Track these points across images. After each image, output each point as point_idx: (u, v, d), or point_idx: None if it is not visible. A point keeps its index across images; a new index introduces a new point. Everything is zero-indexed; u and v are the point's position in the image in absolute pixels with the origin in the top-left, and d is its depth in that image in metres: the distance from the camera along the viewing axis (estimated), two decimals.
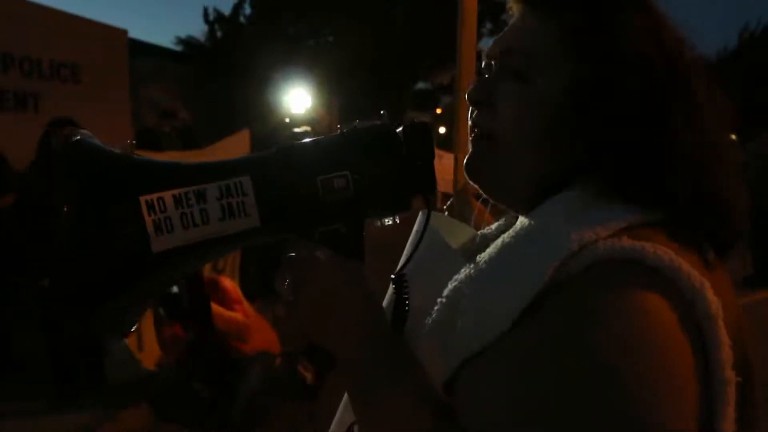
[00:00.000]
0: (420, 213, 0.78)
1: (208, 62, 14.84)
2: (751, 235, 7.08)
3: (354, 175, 0.64)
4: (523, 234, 0.65)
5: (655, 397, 0.52)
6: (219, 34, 17.83)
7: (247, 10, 17.92)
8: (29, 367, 4.46)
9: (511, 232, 0.68)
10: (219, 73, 14.26)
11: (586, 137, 0.67)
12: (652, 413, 0.52)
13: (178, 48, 17.26)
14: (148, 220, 0.61)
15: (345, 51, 15.87)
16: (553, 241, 0.60)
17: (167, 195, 0.61)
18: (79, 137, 0.66)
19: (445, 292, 0.69)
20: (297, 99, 8.05)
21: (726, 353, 0.55)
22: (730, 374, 0.55)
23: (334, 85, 13.07)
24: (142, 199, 0.61)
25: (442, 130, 13.78)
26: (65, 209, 0.62)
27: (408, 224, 0.77)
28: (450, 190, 5.58)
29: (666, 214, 0.63)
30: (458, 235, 0.89)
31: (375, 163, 0.65)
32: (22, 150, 4.37)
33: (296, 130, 4.75)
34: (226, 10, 17.98)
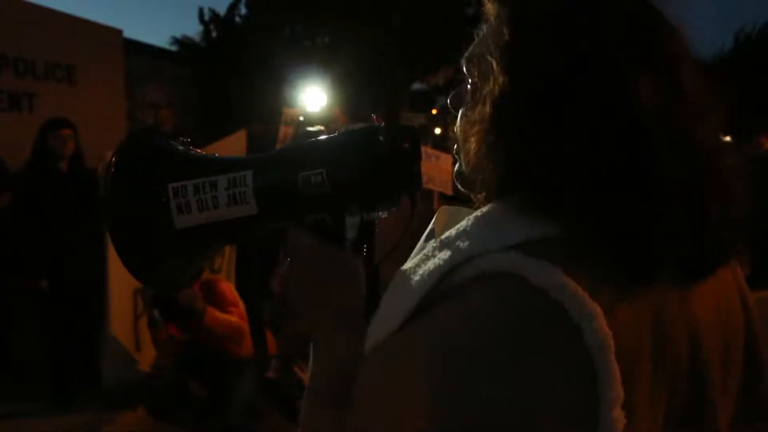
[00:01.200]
0: (439, 210, 0.84)
1: (203, 62, 14.81)
2: (750, 237, 7.10)
3: (328, 172, 0.73)
4: (444, 239, 0.63)
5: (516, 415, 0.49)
6: (214, 34, 17.80)
7: (243, 10, 17.91)
8: (27, 369, 4.45)
9: (445, 233, 0.66)
10: (215, 73, 14.24)
11: (510, 150, 0.61)
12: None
13: (174, 48, 17.24)
14: (173, 203, 0.76)
15: (341, 52, 15.86)
16: (450, 250, 0.59)
17: (189, 184, 0.76)
18: (141, 132, 0.88)
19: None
20: (311, 97, 8.07)
21: (616, 390, 0.50)
22: (618, 414, 0.50)
23: (331, 86, 13.07)
24: (170, 186, 0.76)
25: (437, 131, 13.78)
26: (106, 185, 0.79)
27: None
28: (448, 190, 5.58)
29: (585, 229, 0.57)
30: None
31: (348, 162, 0.74)
32: (16, 150, 4.36)
33: (310, 128, 4.75)
34: (222, 10, 17.98)
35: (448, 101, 0.77)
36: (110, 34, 6.91)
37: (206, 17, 17.88)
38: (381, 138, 0.74)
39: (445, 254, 0.59)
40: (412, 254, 0.78)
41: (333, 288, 0.74)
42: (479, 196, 0.71)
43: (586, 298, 0.51)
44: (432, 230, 0.82)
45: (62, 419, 3.91)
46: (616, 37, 0.59)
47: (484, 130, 0.63)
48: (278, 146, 6.48)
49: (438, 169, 5.26)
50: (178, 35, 17.94)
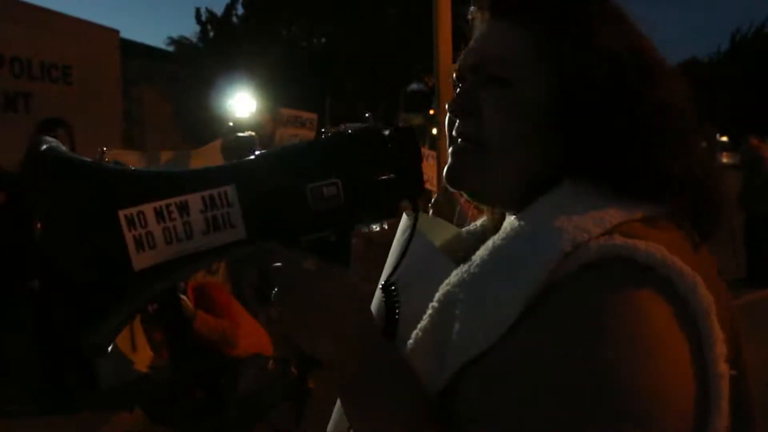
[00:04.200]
0: (404, 216, 0.78)
1: (200, 63, 14.80)
2: (745, 238, 7.14)
3: (344, 182, 0.62)
4: (514, 235, 0.65)
5: (655, 396, 0.54)
6: (211, 34, 17.80)
7: (240, 10, 17.90)
8: (22, 371, 4.44)
9: (501, 233, 0.67)
10: (212, 73, 14.24)
11: (572, 136, 0.68)
12: (652, 411, 0.53)
13: (170, 48, 17.22)
14: (129, 236, 0.57)
15: (338, 53, 15.86)
16: (546, 241, 0.60)
17: (148, 208, 0.57)
18: (46, 146, 0.61)
19: (437, 296, 0.68)
20: (240, 103, 7.98)
21: (720, 348, 0.56)
22: (724, 368, 0.56)
23: (328, 87, 13.06)
24: (122, 213, 0.57)
25: (434, 131, 13.79)
26: (37, 227, 0.58)
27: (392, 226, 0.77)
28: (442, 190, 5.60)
29: (657, 208, 0.65)
30: (441, 234, 0.88)
31: (365, 169, 0.64)
32: (12, 151, 4.35)
33: (240, 134, 4.72)
34: (219, 10, 17.96)
35: (454, 105, 0.75)
36: (107, 35, 6.90)
37: (203, 17, 17.89)
38: (385, 140, 0.65)
39: (541, 247, 0.60)
40: (394, 260, 0.77)
41: (348, 317, 0.64)
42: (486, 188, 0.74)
43: (687, 270, 0.57)
44: (404, 236, 0.79)
45: (58, 420, 3.90)
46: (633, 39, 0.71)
47: (537, 117, 0.69)
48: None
49: (432, 170, 5.27)
50: (174, 35, 17.93)
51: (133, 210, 0.57)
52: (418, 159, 0.68)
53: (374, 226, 0.68)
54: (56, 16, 6.28)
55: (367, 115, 0.69)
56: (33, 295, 4.16)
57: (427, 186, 5.34)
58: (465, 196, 0.78)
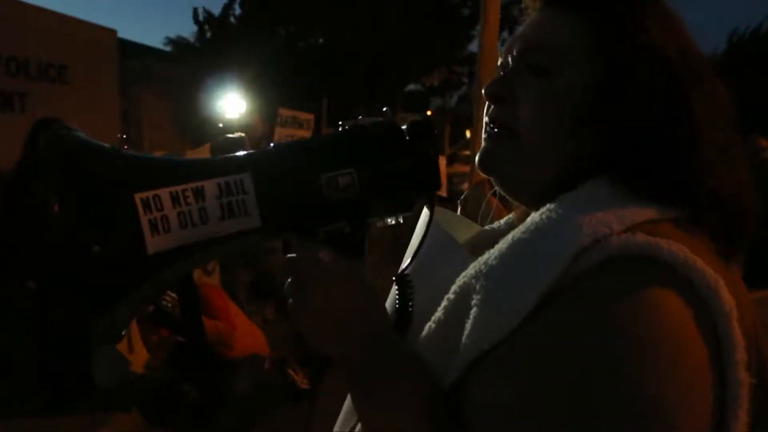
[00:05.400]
0: (424, 210, 0.77)
1: (198, 63, 14.78)
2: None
3: (360, 172, 0.62)
4: (534, 229, 0.64)
5: (671, 398, 0.52)
6: (209, 34, 17.78)
7: (238, 10, 17.89)
8: (18, 371, 4.42)
9: (522, 227, 0.66)
10: (210, 73, 14.22)
11: (607, 133, 0.67)
12: (668, 413, 0.52)
13: (168, 48, 17.20)
14: (144, 219, 0.58)
15: (336, 52, 15.86)
16: (566, 235, 0.59)
17: (164, 192, 0.58)
18: (65, 132, 0.63)
19: (453, 288, 0.67)
20: (229, 104, 7.96)
21: (740, 354, 0.55)
22: (744, 376, 0.55)
23: (326, 87, 13.05)
24: (137, 197, 0.58)
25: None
26: (54, 209, 0.59)
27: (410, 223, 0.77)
28: (443, 191, 5.59)
29: (683, 211, 0.64)
30: (461, 230, 0.88)
31: (382, 161, 0.64)
32: (7, 150, 4.33)
33: (230, 135, 4.74)
34: (216, 10, 17.95)
35: (491, 89, 0.75)
36: (104, 34, 6.88)
37: (201, 17, 17.87)
38: (403, 133, 0.66)
39: (560, 241, 0.59)
40: (411, 254, 0.77)
41: (361, 310, 0.64)
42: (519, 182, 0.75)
43: (710, 271, 0.56)
44: (421, 229, 0.79)
45: (54, 421, 3.89)
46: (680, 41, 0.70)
47: (573, 111, 0.68)
48: None
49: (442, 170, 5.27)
50: (172, 35, 17.93)
51: (149, 194, 0.58)
52: (435, 153, 0.67)
53: (390, 220, 0.68)
54: (53, 15, 6.26)
55: (384, 109, 0.68)
56: (30, 294, 4.15)
57: None
58: (496, 188, 0.78)
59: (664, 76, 0.67)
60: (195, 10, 17.79)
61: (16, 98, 5.62)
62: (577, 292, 0.57)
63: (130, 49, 9.10)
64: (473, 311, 0.62)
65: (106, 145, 0.64)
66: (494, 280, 0.62)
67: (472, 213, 0.97)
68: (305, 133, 7.43)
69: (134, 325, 4.53)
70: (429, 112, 18.16)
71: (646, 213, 0.61)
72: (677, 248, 0.56)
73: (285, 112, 7.25)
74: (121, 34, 7.51)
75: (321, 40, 17.64)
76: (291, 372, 4.21)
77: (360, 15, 15.64)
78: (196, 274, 4.62)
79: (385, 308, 0.69)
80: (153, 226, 0.58)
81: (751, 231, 0.69)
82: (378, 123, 0.66)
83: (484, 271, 0.64)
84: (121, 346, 4.53)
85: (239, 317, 3.81)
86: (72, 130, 0.64)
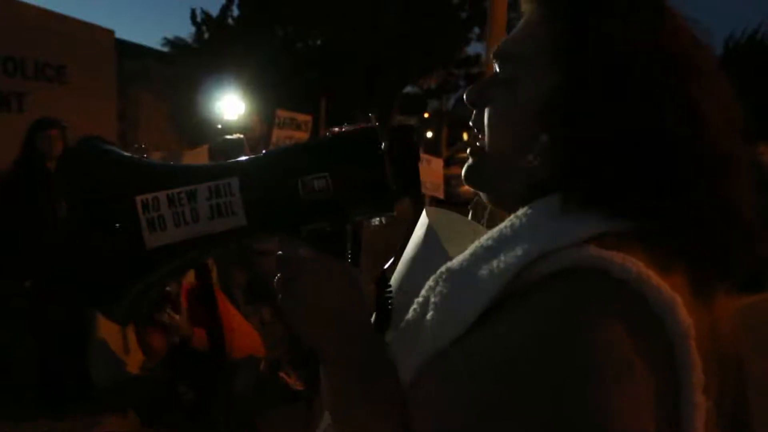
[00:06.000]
0: (423, 213, 0.79)
1: (196, 63, 14.77)
2: None
3: (333, 176, 0.66)
4: (497, 236, 0.63)
5: (616, 424, 0.49)
6: (206, 35, 17.77)
7: (236, 11, 17.88)
8: (15, 371, 4.41)
9: (487, 234, 0.66)
10: (207, 74, 14.22)
11: (567, 145, 0.63)
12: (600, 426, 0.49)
13: (166, 49, 17.19)
14: (143, 218, 0.65)
15: (335, 53, 15.86)
16: (519, 246, 0.58)
17: (162, 195, 0.66)
18: (86, 139, 0.72)
19: (422, 291, 0.68)
20: (228, 105, 7.97)
21: (697, 376, 0.52)
22: (700, 399, 0.52)
23: (324, 88, 13.06)
24: (138, 198, 0.66)
25: (429, 134, 13.80)
26: (64, 206, 0.67)
27: (398, 225, 0.78)
28: (440, 194, 5.58)
29: (647, 226, 0.59)
30: (468, 234, 0.88)
31: (355, 166, 0.68)
32: (5, 150, 4.33)
33: (228, 137, 4.76)
34: (214, 11, 17.94)
35: (466, 96, 0.75)
36: (102, 35, 6.88)
37: (198, 18, 17.86)
38: (381, 139, 0.69)
39: (514, 251, 0.58)
40: (406, 256, 0.77)
41: (338, 305, 0.66)
42: (493, 193, 0.73)
43: (666, 288, 0.52)
44: (426, 232, 0.80)
45: (51, 422, 3.88)
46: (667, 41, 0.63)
47: (532, 121, 0.65)
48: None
49: (430, 173, 5.27)
50: (170, 36, 17.91)
51: (149, 196, 0.66)
52: (414, 157, 0.69)
53: (375, 221, 0.72)
54: (51, 15, 6.26)
55: (369, 115, 0.72)
56: (28, 294, 4.14)
57: (423, 190, 5.35)
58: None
59: (627, 93, 0.61)
60: (193, 11, 17.78)
61: (14, 98, 5.62)
62: (524, 300, 0.56)
63: (128, 50, 9.09)
64: (429, 314, 0.63)
65: (117, 151, 0.72)
66: (451, 284, 0.63)
67: (482, 217, 0.97)
68: (303, 135, 7.42)
69: (130, 327, 4.52)
70: (426, 115, 18.18)
71: (604, 226, 0.58)
72: (631, 263, 0.53)
73: (282, 114, 7.24)
74: (118, 35, 7.50)
75: (319, 41, 17.64)
76: (283, 375, 4.22)
77: (358, 16, 15.65)
78: (195, 274, 4.62)
79: (363, 305, 0.69)
80: (151, 224, 0.65)
81: (746, 252, 0.62)
82: (358, 129, 0.70)
83: (445, 275, 0.65)
84: (117, 347, 4.52)
85: (236, 318, 3.82)
86: (94, 140, 0.73)
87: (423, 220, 0.81)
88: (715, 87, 0.64)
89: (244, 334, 3.75)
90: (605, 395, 0.49)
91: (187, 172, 0.70)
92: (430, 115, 18.83)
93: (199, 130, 8.43)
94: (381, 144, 0.68)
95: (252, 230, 0.68)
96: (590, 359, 0.51)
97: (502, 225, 0.66)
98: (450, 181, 8.52)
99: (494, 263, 0.59)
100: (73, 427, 3.86)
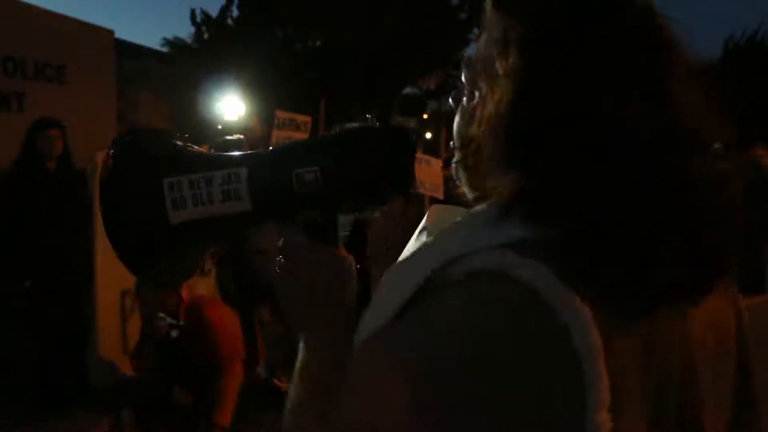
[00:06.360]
0: (431, 208, 0.83)
1: (195, 64, 14.77)
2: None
3: (323, 170, 0.74)
4: (435, 236, 0.63)
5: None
6: (206, 35, 17.77)
7: (235, 12, 17.89)
8: (13, 371, 4.41)
9: (436, 232, 0.66)
10: (207, 75, 14.21)
11: (497, 150, 0.60)
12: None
13: (165, 49, 17.19)
14: (168, 198, 0.76)
15: (334, 54, 15.87)
16: (447, 246, 0.58)
17: (184, 179, 0.77)
18: (139, 131, 0.90)
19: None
20: (228, 106, 8.00)
21: (602, 394, 0.48)
22: (603, 418, 0.48)
23: (323, 89, 13.06)
24: (166, 181, 0.77)
25: (428, 135, 13.80)
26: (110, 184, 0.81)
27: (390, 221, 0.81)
28: (440, 194, 5.58)
29: (574, 234, 0.54)
30: None
31: (342, 161, 0.75)
32: (5, 150, 4.33)
33: (228, 137, 4.79)
34: (214, 11, 17.95)
35: (451, 99, 0.76)
36: (101, 35, 6.88)
37: (198, 19, 17.87)
38: (373, 137, 0.75)
39: (435, 251, 0.58)
40: (403, 252, 0.78)
41: (321, 286, 0.73)
42: (472, 195, 0.73)
43: (577, 300, 0.50)
44: (423, 228, 0.82)
45: (51, 422, 3.88)
46: (614, 55, 0.58)
47: (485, 132, 0.62)
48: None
49: (429, 174, 5.26)
50: (169, 36, 17.91)
51: (174, 179, 0.77)
52: (405, 155, 0.74)
53: (370, 213, 0.76)
54: (50, 15, 6.26)
55: (367, 116, 0.79)
56: (28, 294, 4.14)
57: (421, 190, 5.34)
58: None
59: (561, 106, 0.57)
60: (192, 12, 17.79)
61: (14, 98, 5.61)
62: (432, 297, 0.55)
63: (127, 50, 9.09)
64: (369, 307, 0.64)
65: (171, 141, 0.84)
66: (388, 277, 0.63)
67: None
68: (302, 135, 7.41)
69: (130, 327, 4.52)
70: (426, 116, 18.19)
71: (528, 232, 0.56)
72: (540, 271, 0.51)
73: (282, 114, 7.23)
74: (118, 35, 7.50)
75: (318, 42, 17.64)
76: (276, 382, 4.23)
77: (358, 16, 15.65)
78: (195, 276, 4.61)
79: (342, 291, 0.74)
80: (174, 203, 0.76)
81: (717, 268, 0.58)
82: (351, 128, 0.77)
83: (392, 268, 0.64)
84: (116, 347, 4.52)
85: (234, 322, 3.84)
86: (142, 130, 0.90)
87: (424, 219, 0.83)
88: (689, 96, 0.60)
89: (240, 336, 3.78)
90: (492, 402, 0.48)
91: (207, 160, 0.80)
92: (429, 115, 18.84)
93: (199, 130, 8.42)
94: (367, 143, 0.74)
95: (257, 215, 0.77)
96: (468, 363, 0.49)
97: (446, 225, 0.65)
98: (448, 182, 8.52)
99: (420, 261, 0.59)
100: (73, 427, 3.85)
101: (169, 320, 3.49)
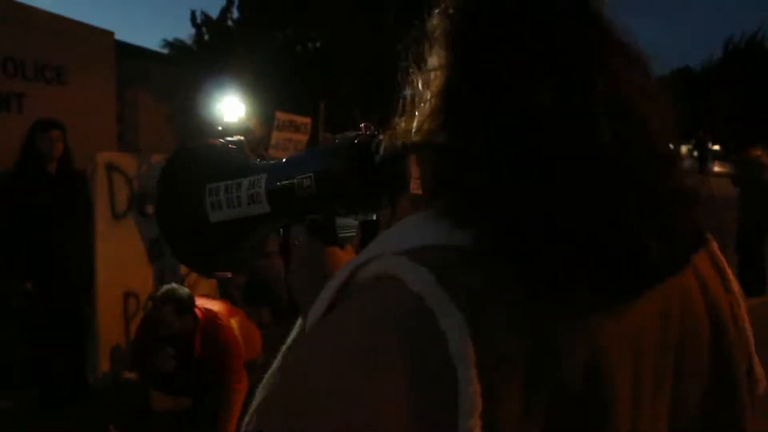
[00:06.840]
0: None
1: (195, 65, 14.77)
2: (735, 246, 7.17)
3: (316, 177, 0.81)
4: (376, 238, 0.64)
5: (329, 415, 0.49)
6: (206, 37, 17.78)
7: (235, 13, 17.90)
8: (13, 371, 4.41)
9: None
10: (207, 76, 14.21)
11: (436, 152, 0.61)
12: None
13: (165, 51, 17.20)
14: (207, 201, 0.89)
15: (334, 55, 15.88)
16: (372, 247, 0.60)
17: (221, 185, 0.89)
18: (201, 144, 1.07)
19: None
20: (228, 107, 7.99)
21: (471, 401, 0.48)
22: (473, 424, 0.48)
23: (323, 90, 13.07)
24: (207, 186, 0.90)
25: None
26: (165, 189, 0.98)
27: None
28: None
29: (488, 242, 0.54)
30: None
31: (333, 166, 0.81)
32: (5, 151, 4.33)
33: (228, 138, 4.81)
34: (214, 13, 17.96)
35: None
36: (101, 36, 6.89)
37: (198, 20, 17.88)
38: (366, 144, 0.78)
39: (366, 251, 0.60)
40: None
41: (322, 280, 0.73)
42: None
43: (456, 309, 0.50)
44: None
45: (48, 422, 3.88)
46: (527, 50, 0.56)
47: (418, 138, 0.64)
48: (270, 151, 6.47)
49: None
50: (169, 38, 17.92)
51: (214, 185, 0.89)
52: (396, 162, 0.71)
53: (369, 217, 0.84)
54: (50, 16, 6.27)
55: (362, 124, 0.82)
56: (28, 294, 4.13)
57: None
58: None
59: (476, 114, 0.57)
60: (192, 13, 17.81)
61: (13, 98, 5.62)
62: (342, 300, 0.59)
63: (127, 52, 9.07)
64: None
65: (205, 149, 1.01)
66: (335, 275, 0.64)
67: None
68: (302, 137, 7.43)
69: (131, 327, 4.52)
70: None
71: (438, 238, 0.56)
72: (426, 278, 0.52)
73: (282, 116, 7.24)
74: (118, 36, 7.51)
75: (319, 44, 17.65)
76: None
77: (358, 17, 15.66)
78: (194, 276, 4.60)
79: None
80: (212, 205, 0.89)
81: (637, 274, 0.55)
82: (346, 136, 0.82)
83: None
84: (114, 348, 4.52)
85: (245, 325, 3.89)
86: (202, 145, 1.06)
87: None
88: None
89: (245, 341, 3.81)
90: (369, 406, 0.48)
91: (240, 167, 0.91)
92: None
93: (199, 131, 8.42)
94: (358, 150, 0.78)
95: (275, 217, 0.87)
96: (341, 366, 0.51)
97: None
98: None
99: (352, 261, 0.60)
100: (72, 426, 3.85)
101: (170, 353, 3.53)
